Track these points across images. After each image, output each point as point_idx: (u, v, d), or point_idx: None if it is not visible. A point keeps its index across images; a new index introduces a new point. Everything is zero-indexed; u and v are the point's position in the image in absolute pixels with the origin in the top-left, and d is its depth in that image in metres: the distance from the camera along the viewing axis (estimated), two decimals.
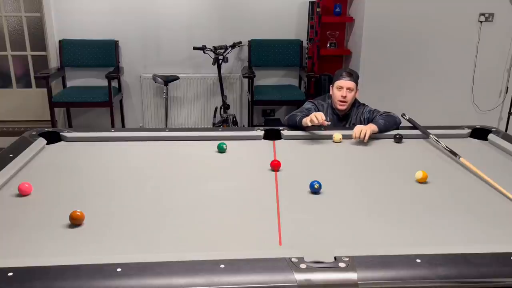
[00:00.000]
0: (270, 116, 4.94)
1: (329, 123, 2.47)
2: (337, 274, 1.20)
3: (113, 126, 4.42)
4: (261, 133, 2.43)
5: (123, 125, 4.79)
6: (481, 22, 4.21)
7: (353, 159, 2.16)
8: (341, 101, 2.67)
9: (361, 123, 2.64)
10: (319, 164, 2.09)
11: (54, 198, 1.69)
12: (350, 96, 2.66)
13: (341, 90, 2.66)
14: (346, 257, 1.25)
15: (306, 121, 2.41)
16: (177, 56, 4.69)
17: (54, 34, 4.52)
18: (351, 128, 2.46)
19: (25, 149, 2.09)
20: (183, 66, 4.72)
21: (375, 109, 2.68)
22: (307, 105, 2.72)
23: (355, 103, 2.75)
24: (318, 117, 2.35)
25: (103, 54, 4.55)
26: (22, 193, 1.69)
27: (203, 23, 4.60)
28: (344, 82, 2.65)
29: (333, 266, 1.22)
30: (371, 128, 2.40)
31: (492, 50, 4.30)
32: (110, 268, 1.19)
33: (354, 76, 2.68)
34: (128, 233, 1.45)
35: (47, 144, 2.25)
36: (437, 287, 1.20)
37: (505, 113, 4.46)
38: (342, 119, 2.76)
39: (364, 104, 2.77)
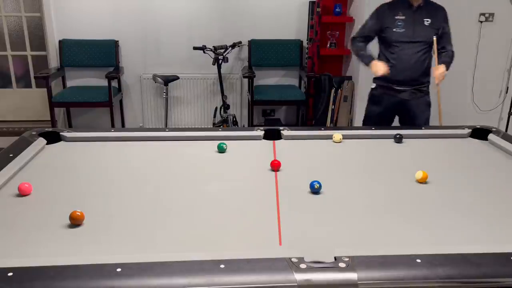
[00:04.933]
0: (270, 116, 4.94)
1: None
2: (337, 274, 1.20)
3: (113, 126, 4.43)
4: (261, 133, 2.43)
5: (123, 125, 4.79)
6: (481, 22, 4.21)
7: (353, 159, 2.16)
8: None
9: (428, 30, 2.80)
10: (319, 164, 2.09)
11: (54, 198, 1.69)
12: None
13: None
14: (346, 257, 1.25)
15: (374, 69, 2.75)
16: (177, 56, 4.69)
17: (54, 34, 4.52)
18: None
19: (25, 149, 2.09)
20: (183, 66, 4.71)
21: (445, 33, 2.86)
22: (370, 21, 2.91)
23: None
24: (380, 72, 2.70)
25: (103, 54, 4.54)
26: (22, 193, 1.69)
27: (203, 23, 4.60)
28: None
29: (333, 266, 1.22)
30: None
31: (492, 50, 4.29)
32: (110, 268, 1.19)
33: None
34: (128, 233, 1.45)
35: (47, 144, 2.25)
36: (437, 287, 1.20)
37: (505, 113, 4.46)
38: (416, 11, 2.81)
39: (441, 7, 2.89)
